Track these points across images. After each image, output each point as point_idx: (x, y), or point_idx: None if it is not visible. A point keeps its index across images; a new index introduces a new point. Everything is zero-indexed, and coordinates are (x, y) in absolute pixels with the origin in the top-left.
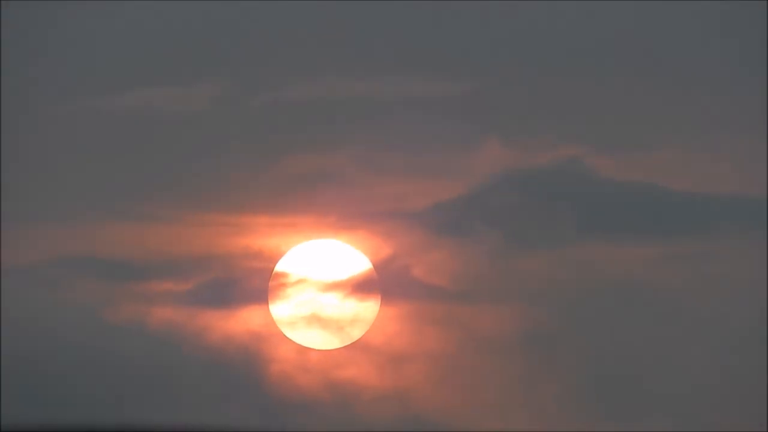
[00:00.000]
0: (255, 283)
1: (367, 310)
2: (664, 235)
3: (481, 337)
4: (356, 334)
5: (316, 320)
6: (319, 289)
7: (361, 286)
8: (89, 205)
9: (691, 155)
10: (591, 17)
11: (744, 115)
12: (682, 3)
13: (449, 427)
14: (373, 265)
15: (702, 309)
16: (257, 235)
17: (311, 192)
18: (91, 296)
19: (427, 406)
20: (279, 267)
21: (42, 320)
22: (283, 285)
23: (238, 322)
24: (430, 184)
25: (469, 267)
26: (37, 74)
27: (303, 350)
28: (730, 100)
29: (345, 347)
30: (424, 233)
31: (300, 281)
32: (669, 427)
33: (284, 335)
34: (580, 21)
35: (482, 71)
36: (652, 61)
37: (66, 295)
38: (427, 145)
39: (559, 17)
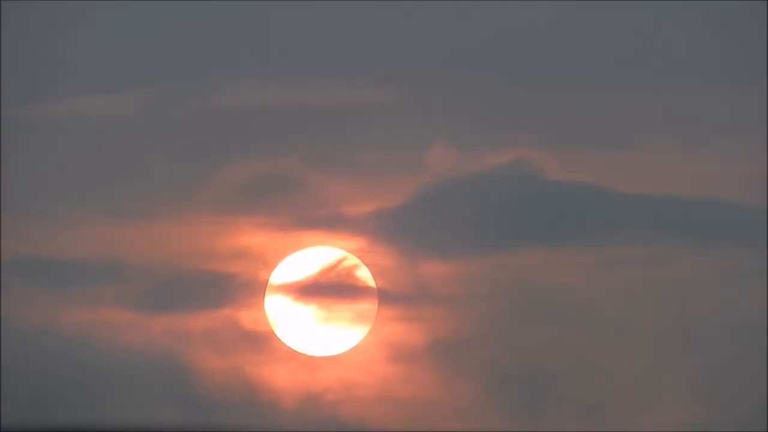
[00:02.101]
0: (195, 286)
1: (308, 313)
2: (603, 240)
3: (401, 340)
4: (287, 337)
5: (252, 322)
6: (262, 292)
7: (302, 290)
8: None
9: (640, 156)
10: (538, 16)
11: (698, 117)
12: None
13: (366, 428)
14: (318, 268)
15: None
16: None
17: (256, 195)
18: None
19: (344, 406)
20: (223, 269)
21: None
22: (225, 287)
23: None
24: (375, 188)
25: (411, 271)
26: None
27: (230, 351)
28: (683, 101)
29: (265, 349)
30: (368, 237)
31: (243, 284)
32: (584, 428)
33: (213, 338)
34: (527, 20)
35: (427, 74)
36: (604, 62)
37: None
38: (371, 149)
39: (506, 16)
